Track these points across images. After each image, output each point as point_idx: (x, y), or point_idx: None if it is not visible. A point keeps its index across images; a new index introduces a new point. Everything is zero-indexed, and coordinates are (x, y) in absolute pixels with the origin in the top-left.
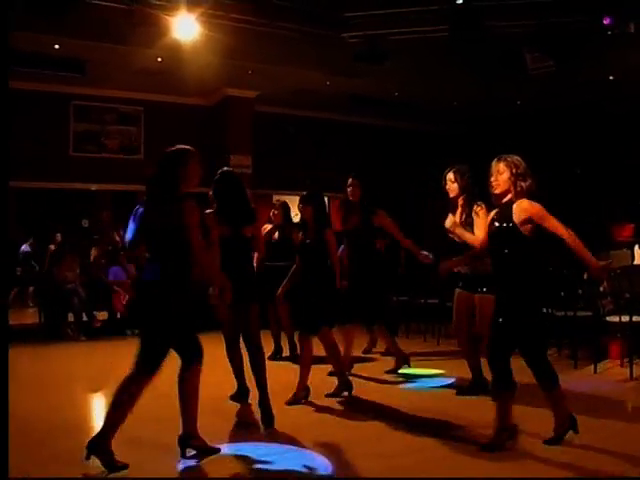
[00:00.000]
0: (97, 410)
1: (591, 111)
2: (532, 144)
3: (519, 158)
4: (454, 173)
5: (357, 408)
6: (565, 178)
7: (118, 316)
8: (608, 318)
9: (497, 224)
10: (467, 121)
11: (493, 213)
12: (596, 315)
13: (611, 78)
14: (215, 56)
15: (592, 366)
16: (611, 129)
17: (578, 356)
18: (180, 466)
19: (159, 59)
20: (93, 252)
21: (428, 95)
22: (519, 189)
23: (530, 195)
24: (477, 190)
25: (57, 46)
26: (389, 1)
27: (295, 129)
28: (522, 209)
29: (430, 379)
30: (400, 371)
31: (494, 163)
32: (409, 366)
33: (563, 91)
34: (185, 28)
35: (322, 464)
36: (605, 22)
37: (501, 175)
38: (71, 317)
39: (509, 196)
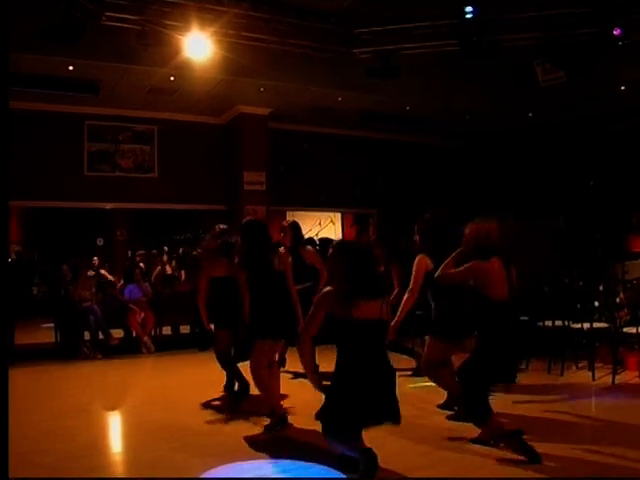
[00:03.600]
0: (111, 431)
1: (604, 123)
2: (545, 157)
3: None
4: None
5: None
6: (579, 190)
7: (134, 334)
8: (625, 329)
9: None
10: (479, 134)
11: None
12: (613, 327)
13: (622, 88)
14: (227, 74)
15: (610, 378)
16: (624, 141)
17: (595, 368)
18: None
19: (172, 78)
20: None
21: (440, 109)
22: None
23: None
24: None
25: (71, 67)
26: (400, 17)
27: (308, 145)
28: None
29: None
30: None
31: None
32: None
33: (575, 103)
34: (197, 47)
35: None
36: (615, 33)
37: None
38: (87, 335)
39: None
